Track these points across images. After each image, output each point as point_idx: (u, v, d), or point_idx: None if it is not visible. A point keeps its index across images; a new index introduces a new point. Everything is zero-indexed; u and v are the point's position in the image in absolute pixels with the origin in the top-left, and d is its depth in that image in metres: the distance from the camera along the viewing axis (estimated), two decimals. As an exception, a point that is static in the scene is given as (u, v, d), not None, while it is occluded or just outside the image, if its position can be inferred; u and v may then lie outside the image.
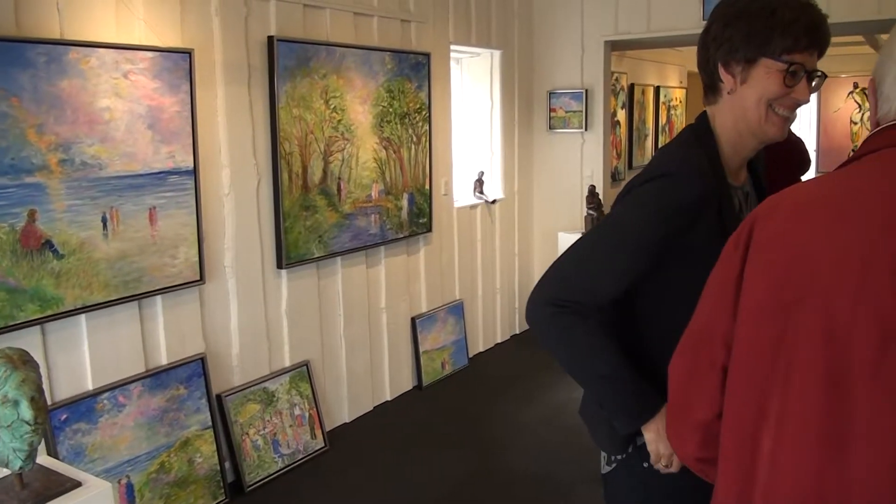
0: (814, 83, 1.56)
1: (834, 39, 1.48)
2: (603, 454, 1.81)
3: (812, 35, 1.52)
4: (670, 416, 1.38)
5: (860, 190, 1.13)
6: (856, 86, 11.82)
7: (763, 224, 1.18)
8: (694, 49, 1.70)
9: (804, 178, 8.64)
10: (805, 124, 11.62)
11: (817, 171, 12.35)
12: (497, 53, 5.95)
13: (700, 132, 1.66)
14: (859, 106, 11.97)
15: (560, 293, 1.59)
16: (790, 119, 1.59)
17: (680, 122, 10.24)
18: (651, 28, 5.88)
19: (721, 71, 1.58)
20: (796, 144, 8.41)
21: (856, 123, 12.09)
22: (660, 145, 9.56)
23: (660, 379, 1.48)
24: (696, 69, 1.69)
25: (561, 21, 6.24)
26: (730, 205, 1.60)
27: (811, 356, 1.07)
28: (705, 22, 1.63)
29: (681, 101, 10.37)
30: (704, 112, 1.70)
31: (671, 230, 1.54)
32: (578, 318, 1.57)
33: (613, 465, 1.76)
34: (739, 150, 1.66)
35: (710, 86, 1.65)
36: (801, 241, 1.12)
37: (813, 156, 12.20)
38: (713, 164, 1.60)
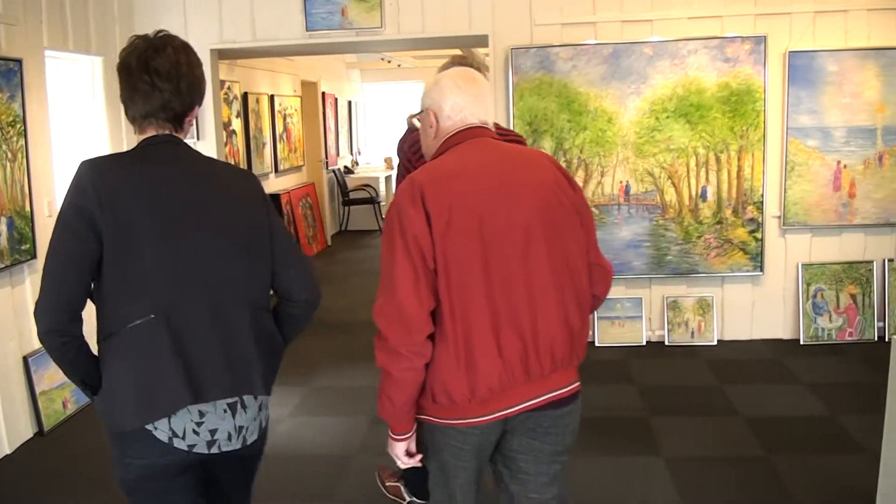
0: None
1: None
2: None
3: None
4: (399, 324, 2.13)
5: (473, 159, 2.24)
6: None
7: (431, 187, 2.12)
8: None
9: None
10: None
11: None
12: (98, 60, 5.86)
13: None
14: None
15: None
16: None
17: (297, 129, 10.71)
18: (257, 37, 6.26)
19: None
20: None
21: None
22: (277, 152, 9.96)
23: None
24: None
25: (164, 28, 6.28)
26: None
27: (473, 249, 2.11)
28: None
29: (297, 110, 10.84)
30: None
31: None
32: None
33: None
34: None
35: None
36: (455, 190, 2.13)
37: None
38: None
